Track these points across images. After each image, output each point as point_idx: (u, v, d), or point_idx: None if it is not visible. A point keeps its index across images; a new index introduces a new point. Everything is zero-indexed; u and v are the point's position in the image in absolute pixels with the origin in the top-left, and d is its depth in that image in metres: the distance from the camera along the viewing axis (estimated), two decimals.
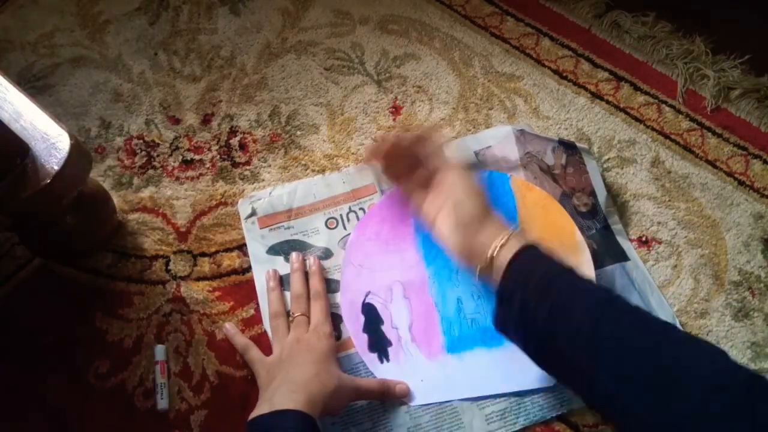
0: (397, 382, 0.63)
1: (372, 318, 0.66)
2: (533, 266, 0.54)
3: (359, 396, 0.61)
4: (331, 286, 0.68)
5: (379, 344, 0.65)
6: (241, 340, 0.65)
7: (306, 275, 0.67)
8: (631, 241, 0.72)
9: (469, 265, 0.59)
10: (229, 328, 0.66)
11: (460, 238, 0.59)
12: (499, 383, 0.63)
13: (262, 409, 0.52)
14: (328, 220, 0.71)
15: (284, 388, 0.55)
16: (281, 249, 0.69)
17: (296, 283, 0.66)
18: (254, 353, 0.63)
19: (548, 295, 0.51)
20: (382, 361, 0.64)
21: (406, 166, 0.66)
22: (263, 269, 0.69)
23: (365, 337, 0.65)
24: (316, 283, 0.66)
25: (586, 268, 0.66)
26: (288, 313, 0.65)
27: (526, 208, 0.70)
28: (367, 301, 0.67)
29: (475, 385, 0.63)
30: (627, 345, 0.47)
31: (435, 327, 0.66)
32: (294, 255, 0.68)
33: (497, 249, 0.55)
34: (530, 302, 0.52)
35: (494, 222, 0.59)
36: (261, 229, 0.70)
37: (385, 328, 0.66)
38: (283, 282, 0.68)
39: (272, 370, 0.60)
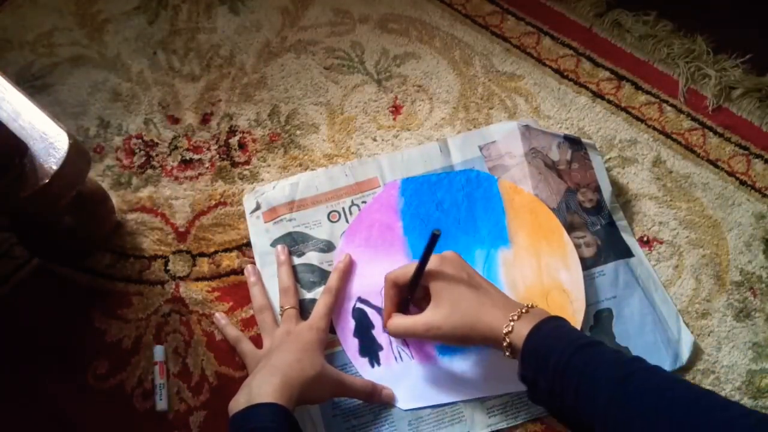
0: (383, 387, 0.62)
1: (363, 323, 0.66)
2: (548, 348, 0.52)
3: (343, 391, 0.61)
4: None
5: (370, 348, 0.65)
6: (232, 331, 0.65)
7: (294, 269, 0.67)
8: None
9: (493, 347, 0.57)
10: (220, 318, 0.66)
11: (469, 331, 0.57)
12: (491, 385, 0.63)
13: (240, 397, 0.53)
14: (330, 212, 0.71)
15: (264, 371, 0.55)
16: (283, 241, 0.69)
17: (283, 276, 0.66)
18: (245, 345, 0.63)
19: (568, 379, 0.50)
20: (373, 366, 0.64)
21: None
22: (267, 263, 0.68)
23: (356, 341, 0.65)
24: (333, 280, 0.66)
25: (574, 271, 0.66)
26: (271, 307, 0.66)
27: (514, 211, 0.70)
28: (357, 306, 0.66)
29: (467, 388, 0.63)
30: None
31: None
32: (279, 248, 0.68)
33: (507, 335, 0.54)
34: (555, 388, 0.51)
35: (499, 303, 0.57)
36: (266, 223, 0.70)
37: (376, 333, 0.65)
38: (296, 272, 0.68)
39: (262, 362, 0.59)
